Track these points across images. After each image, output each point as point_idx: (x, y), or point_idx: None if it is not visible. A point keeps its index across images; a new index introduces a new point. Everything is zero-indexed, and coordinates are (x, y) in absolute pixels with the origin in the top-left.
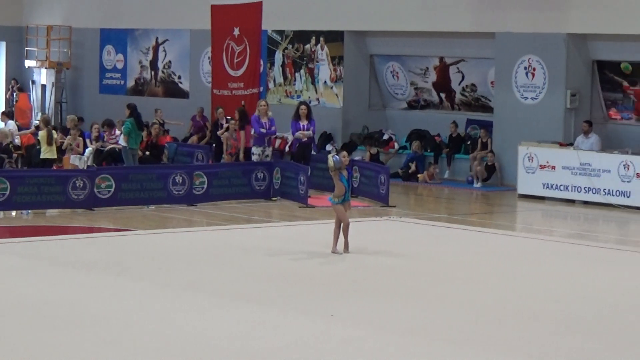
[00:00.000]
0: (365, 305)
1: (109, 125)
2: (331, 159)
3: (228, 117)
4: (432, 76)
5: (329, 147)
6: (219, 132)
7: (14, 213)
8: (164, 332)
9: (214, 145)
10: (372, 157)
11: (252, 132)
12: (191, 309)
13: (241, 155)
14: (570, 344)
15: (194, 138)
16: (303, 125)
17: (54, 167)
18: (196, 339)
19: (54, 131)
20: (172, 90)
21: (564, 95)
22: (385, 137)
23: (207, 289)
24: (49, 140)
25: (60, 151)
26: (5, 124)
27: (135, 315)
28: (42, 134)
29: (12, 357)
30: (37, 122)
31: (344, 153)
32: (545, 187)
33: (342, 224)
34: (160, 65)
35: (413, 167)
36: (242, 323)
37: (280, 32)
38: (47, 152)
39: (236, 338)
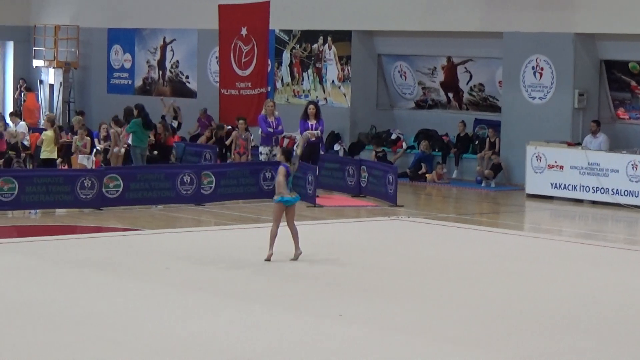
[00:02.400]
0: (373, 305)
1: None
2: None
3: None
4: (440, 76)
5: (337, 147)
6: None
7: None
8: (171, 332)
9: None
10: (377, 156)
11: (260, 132)
12: (198, 309)
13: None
14: (578, 344)
15: (203, 138)
16: (311, 125)
17: (62, 167)
18: (203, 339)
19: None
20: (179, 89)
21: (571, 95)
22: (393, 136)
23: (215, 289)
24: (56, 141)
25: (69, 151)
26: (16, 125)
27: (142, 315)
28: (48, 134)
29: (19, 356)
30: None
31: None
32: (553, 186)
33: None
34: (168, 64)
35: (423, 168)
36: (250, 323)
37: (288, 32)
38: (50, 153)
39: (244, 338)
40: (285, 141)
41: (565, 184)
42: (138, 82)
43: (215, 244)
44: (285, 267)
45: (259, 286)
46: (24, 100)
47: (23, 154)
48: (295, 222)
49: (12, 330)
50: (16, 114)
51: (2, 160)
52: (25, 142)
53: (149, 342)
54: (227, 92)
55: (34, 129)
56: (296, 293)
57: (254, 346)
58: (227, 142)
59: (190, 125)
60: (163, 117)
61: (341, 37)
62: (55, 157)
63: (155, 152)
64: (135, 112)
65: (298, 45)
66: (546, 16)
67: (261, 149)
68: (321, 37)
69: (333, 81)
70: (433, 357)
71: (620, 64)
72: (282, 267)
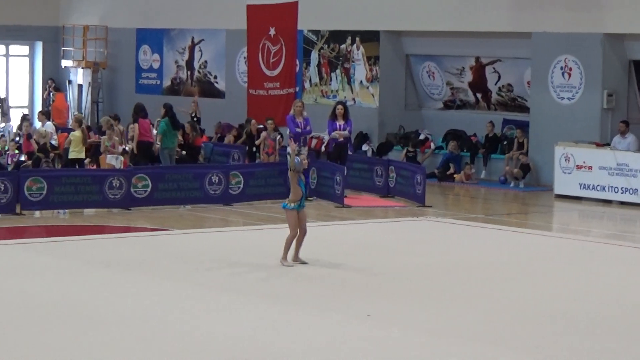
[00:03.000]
0: (401, 305)
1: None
2: (293, 159)
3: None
4: (468, 76)
5: (365, 147)
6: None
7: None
8: (197, 332)
9: (247, 147)
10: (409, 157)
11: (288, 132)
12: (226, 309)
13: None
14: (606, 345)
15: (230, 137)
16: (340, 125)
17: (90, 167)
18: (230, 340)
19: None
20: (208, 90)
21: (600, 95)
22: (422, 137)
23: (242, 289)
24: (84, 141)
25: (97, 151)
26: (44, 125)
27: (169, 315)
28: (76, 134)
29: (48, 356)
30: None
31: (304, 155)
32: (582, 187)
33: (297, 233)
34: (196, 65)
35: (452, 168)
36: (278, 323)
37: (316, 32)
38: (78, 153)
39: (272, 338)
40: (314, 141)
41: (593, 185)
42: (166, 83)
43: (244, 244)
44: (313, 267)
45: (286, 287)
46: (53, 101)
47: (51, 154)
48: (324, 223)
49: (42, 330)
50: (44, 114)
51: (31, 160)
52: (53, 142)
53: (176, 342)
54: (255, 92)
55: (63, 129)
56: (323, 294)
57: (285, 347)
58: (258, 142)
59: (213, 124)
60: (192, 117)
61: (369, 37)
62: (84, 157)
63: (184, 153)
64: (162, 112)
65: (326, 46)
66: (575, 16)
67: (289, 149)
68: (349, 38)
69: (361, 81)
70: (462, 358)
71: None
72: (310, 267)
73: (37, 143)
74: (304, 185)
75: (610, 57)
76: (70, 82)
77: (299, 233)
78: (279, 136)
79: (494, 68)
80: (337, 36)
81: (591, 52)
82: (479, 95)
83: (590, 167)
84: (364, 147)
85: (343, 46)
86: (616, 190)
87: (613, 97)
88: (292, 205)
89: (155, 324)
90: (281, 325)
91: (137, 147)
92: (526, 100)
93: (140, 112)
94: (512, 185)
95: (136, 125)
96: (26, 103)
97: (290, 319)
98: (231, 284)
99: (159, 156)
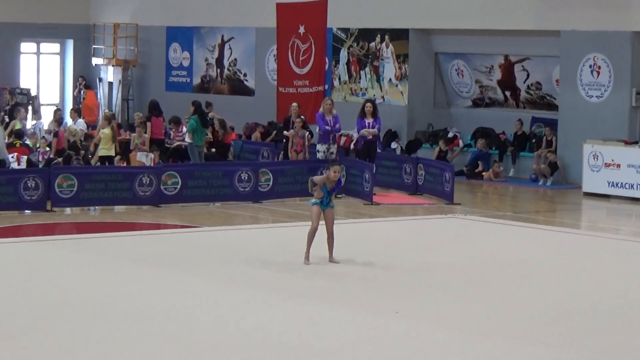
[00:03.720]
0: (429, 302)
1: (176, 122)
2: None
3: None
4: (497, 74)
5: (394, 145)
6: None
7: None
8: (227, 327)
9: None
10: (438, 154)
11: (317, 130)
12: (255, 305)
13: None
14: (630, 343)
15: (257, 134)
16: (369, 123)
17: (121, 164)
18: (259, 335)
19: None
20: (237, 87)
21: (629, 93)
22: (450, 135)
23: (271, 286)
24: (114, 139)
25: (127, 148)
26: (75, 122)
27: (198, 310)
28: (106, 131)
29: (79, 349)
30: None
31: (336, 168)
32: (610, 185)
33: (317, 227)
34: (226, 62)
35: (480, 166)
36: (307, 319)
37: (345, 30)
38: (108, 150)
39: (300, 334)
40: (343, 139)
41: (622, 183)
42: (196, 80)
43: (273, 241)
44: (340, 266)
45: (315, 284)
46: (84, 98)
47: (82, 151)
48: (353, 220)
49: (72, 325)
50: (76, 112)
51: (61, 157)
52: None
53: (206, 336)
54: (284, 90)
55: (93, 126)
56: (352, 291)
57: (311, 343)
58: (287, 134)
59: (243, 121)
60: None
61: (398, 35)
62: (114, 154)
63: (213, 150)
64: (191, 109)
65: (355, 44)
66: (603, 15)
67: (318, 147)
68: (378, 36)
69: (390, 79)
70: (488, 355)
71: None
72: (338, 265)
73: (68, 141)
74: (327, 190)
75: (639, 55)
76: (100, 79)
77: (326, 236)
78: (307, 134)
79: (522, 66)
80: (366, 34)
81: (620, 50)
82: (507, 93)
83: (618, 165)
84: (393, 145)
85: (372, 44)
86: None
87: None
88: (315, 200)
89: (185, 318)
90: (310, 321)
91: (149, 145)
92: (555, 99)
93: (153, 110)
94: (540, 183)
95: (149, 123)
96: (57, 101)
97: (319, 316)
98: (260, 281)
99: (187, 153)
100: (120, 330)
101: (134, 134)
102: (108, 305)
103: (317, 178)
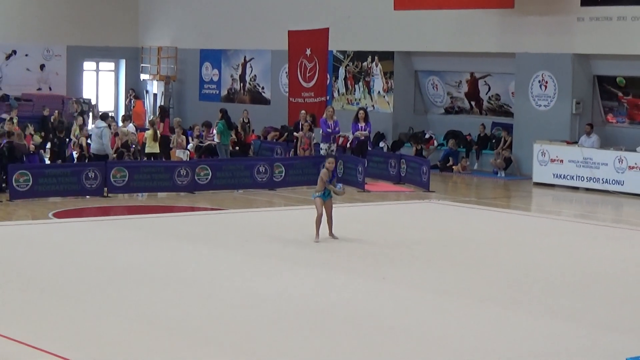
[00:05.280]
0: (410, 269)
1: (207, 125)
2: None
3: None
4: (465, 87)
5: (381, 144)
6: (296, 134)
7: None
8: (249, 290)
9: (294, 140)
10: (417, 152)
11: (321, 132)
12: (270, 272)
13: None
14: (571, 302)
15: (272, 135)
16: (361, 127)
17: (163, 159)
18: (281, 295)
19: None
20: (257, 98)
21: (570, 103)
22: (427, 136)
23: (284, 257)
24: (155, 138)
25: (168, 146)
26: (126, 126)
27: (225, 277)
28: (149, 133)
29: (128, 309)
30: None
31: (331, 160)
32: (555, 176)
33: (325, 217)
34: (247, 78)
35: (451, 161)
36: (313, 283)
37: (343, 52)
38: (151, 148)
39: (308, 295)
40: (341, 139)
41: (564, 175)
42: (224, 92)
43: (285, 222)
44: (339, 241)
45: (319, 255)
46: (133, 106)
47: (132, 149)
48: (349, 204)
49: (122, 289)
50: (127, 117)
51: (116, 154)
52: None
53: (231, 298)
54: (294, 100)
55: (141, 129)
56: (348, 260)
57: (316, 300)
58: (297, 135)
59: (262, 125)
60: (244, 122)
61: (386, 56)
62: (157, 151)
63: (237, 148)
64: (219, 115)
65: (351, 63)
66: (550, 40)
67: (322, 145)
68: (370, 57)
69: (379, 92)
70: (461, 312)
71: (609, 78)
72: (337, 241)
73: (121, 140)
74: (328, 181)
75: (578, 73)
76: (147, 91)
77: (326, 218)
78: (313, 135)
79: (485, 81)
80: (359, 55)
81: (563, 68)
82: (473, 103)
83: (562, 161)
84: (381, 144)
85: (365, 63)
86: (582, 179)
87: (580, 105)
88: (317, 194)
89: (215, 283)
90: (315, 285)
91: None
92: (511, 107)
93: (164, 113)
94: (498, 175)
95: (161, 124)
96: (112, 108)
97: (322, 280)
98: (274, 253)
99: (217, 150)
100: (161, 293)
101: (173, 135)
102: (152, 273)
103: (323, 173)
